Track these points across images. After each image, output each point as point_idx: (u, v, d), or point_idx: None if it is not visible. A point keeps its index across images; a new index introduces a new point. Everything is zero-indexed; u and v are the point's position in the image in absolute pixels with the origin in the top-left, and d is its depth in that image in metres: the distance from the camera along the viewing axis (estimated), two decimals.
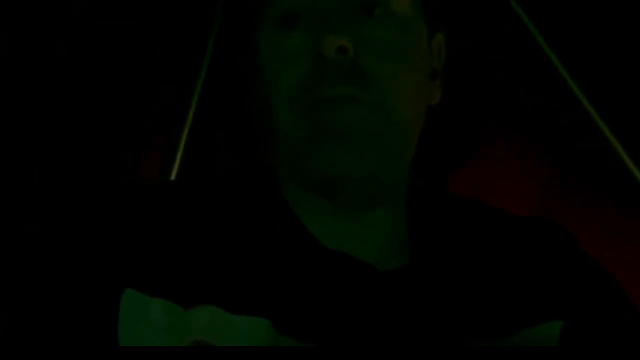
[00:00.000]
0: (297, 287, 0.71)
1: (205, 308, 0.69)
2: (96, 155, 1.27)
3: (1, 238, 1.16)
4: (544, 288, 0.76)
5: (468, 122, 1.26)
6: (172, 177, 1.22)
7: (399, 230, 0.78)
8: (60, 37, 1.27)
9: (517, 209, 1.25)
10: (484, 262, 0.76)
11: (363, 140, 0.71)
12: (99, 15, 1.28)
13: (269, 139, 0.77)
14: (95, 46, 1.28)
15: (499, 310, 0.73)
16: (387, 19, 0.74)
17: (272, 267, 0.72)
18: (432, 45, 0.79)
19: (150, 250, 0.72)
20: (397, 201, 0.78)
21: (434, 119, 0.81)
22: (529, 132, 1.30)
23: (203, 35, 1.26)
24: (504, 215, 0.82)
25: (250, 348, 0.69)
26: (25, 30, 1.26)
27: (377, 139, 0.72)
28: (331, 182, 0.72)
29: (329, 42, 0.70)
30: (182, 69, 1.27)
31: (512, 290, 0.75)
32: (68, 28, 1.27)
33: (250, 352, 0.69)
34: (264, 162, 0.81)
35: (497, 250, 0.77)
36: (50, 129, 1.26)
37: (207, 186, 0.79)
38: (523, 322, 0.73)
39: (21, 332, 0.71)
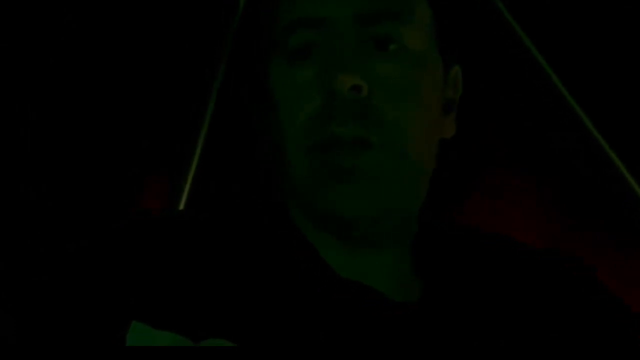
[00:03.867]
0: (311, 318, 0.69)
1: (214, 341, 0.68)
2: (95, 176, 1.27)
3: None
4: (562, 323, 0.75)
5: (471, 154, 1.26)
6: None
7: (411, 264, 0.77)
8: (60, 50, 1.27)
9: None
10: (499, 296, 0.75)
11: (374, 181, 0.70)
12: (104, 36, 1.28)
13: (280, 172, 0.76)
14: (101, 74, 1.27)
15: (516, 346, 0.73)
16: (401, 55, 0.73)
17: (286, 298, 0.70)
18: (448, 77, 0.79)
19: (159, 281, 0.71)
20: (409, 236, 0.77)
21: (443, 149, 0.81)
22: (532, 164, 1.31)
23: (212, 60, 1.26)
24: (519, 247, 0.80)
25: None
26: (20, 45, 1.26)
27: (389, 179, 0.71)
28: (341, 221, 0.72)
29: (342, 80, 0.69)
30: (192, 93, 1.26)
31: (529, 326, 0.74)
32: (68, 43, 1.27)
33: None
34: (274, 196, 0.80)
35: (514, 284, 0.76)
36: (47, 137, 1.25)
37: (217, 216, 0.77)
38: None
39: None
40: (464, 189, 1.28)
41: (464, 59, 0.83)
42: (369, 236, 0.74)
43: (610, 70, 1.26)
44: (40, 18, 1.27)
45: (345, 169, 0.70)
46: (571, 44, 1.27)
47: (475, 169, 1.30)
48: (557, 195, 1.30)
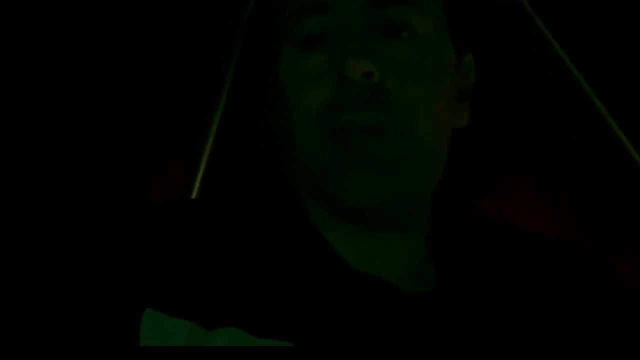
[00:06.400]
0: (323, 309, 0.69)
1: (227, 330, 0.68)
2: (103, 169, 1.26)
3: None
4: (577, 316, 0.75)
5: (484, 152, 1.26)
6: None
7: (425, 253, 0.77)
8: (60, 50, 1.27)
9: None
10: (514, 287, 0.75)
11: (390, 168, 0.70)
12: (105, 35, 1.27)
13: (292, 162, 0.76)
14: (101, 74, 1.27)
15: (528, 340, 0.72)
16: (412, 41, 0.73)
17: (298, 288, 0.70)
18: (460, 66, 0.79)
19: (173, 270, 0.71)
20: (423, 224, 0.77)
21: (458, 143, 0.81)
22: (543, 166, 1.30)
23: (224, 55, 1.25)
24: (535, 239, 0.80)
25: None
26: (20, 44, 1.25)
27: (404, 166, 0.71)
28: (356, 209, 0.72)
29: (353, 67, 0.69)
30: (203, 86, 1.26)
31: (543, 319, 0.74)
32: (68, 43, 1.27)
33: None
34: (286, 183, 0.80)
35: (528, 277, 0.76)
36: (47, 137, 1.25)
37: (230, 205, 0.78)
38: (553, 353, 0.73)
39: (37, 352, 0.70)
40: (463, 189, 1.28)
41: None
42: (383, 222, 0.74)
43: (616, 68, 1.26)
44: (40, 18, 1.27)
45: (361, 157, 0.70)
46: (579, 40, 1.27)
47: (475, 169, 1.30)
48: (557, 195, 1.30)
